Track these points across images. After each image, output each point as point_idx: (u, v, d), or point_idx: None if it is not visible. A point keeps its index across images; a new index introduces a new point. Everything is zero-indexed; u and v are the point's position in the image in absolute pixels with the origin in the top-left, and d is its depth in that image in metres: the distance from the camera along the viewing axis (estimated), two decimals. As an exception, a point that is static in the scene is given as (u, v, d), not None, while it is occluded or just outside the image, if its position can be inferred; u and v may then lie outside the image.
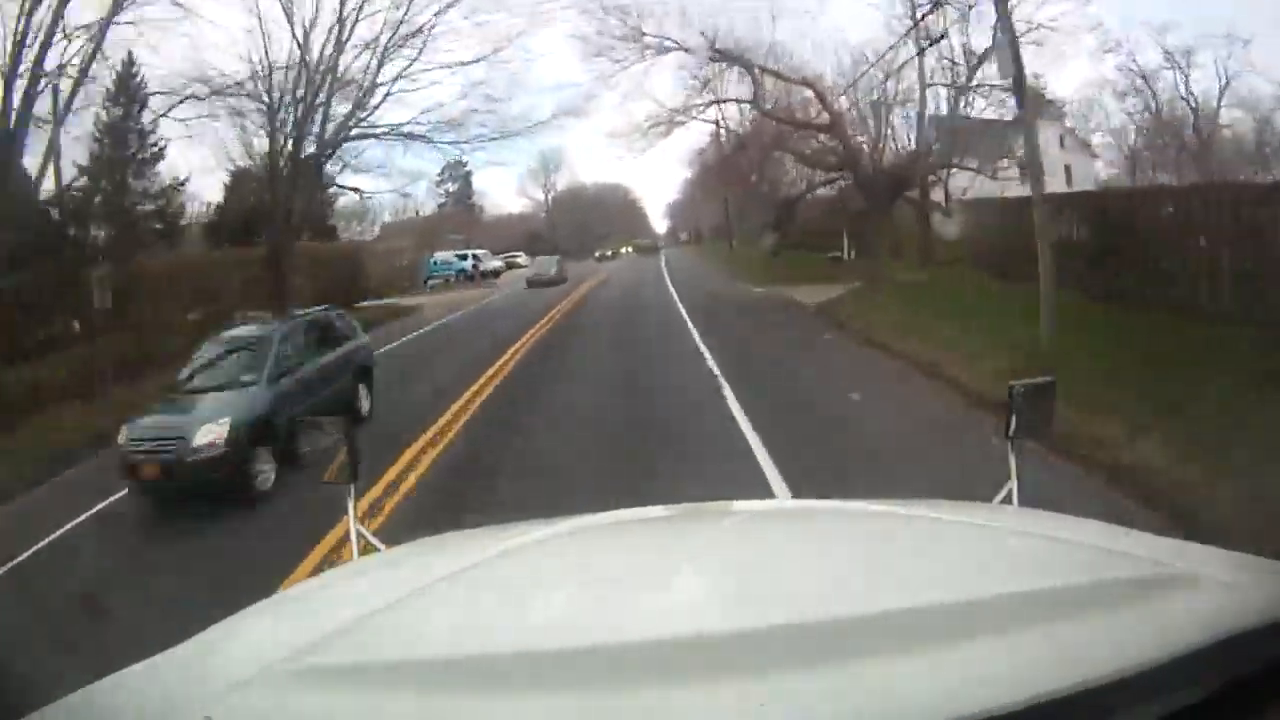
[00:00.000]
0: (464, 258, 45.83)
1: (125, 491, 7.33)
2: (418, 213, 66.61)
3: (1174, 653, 0.90)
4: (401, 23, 20.65)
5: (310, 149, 21.04)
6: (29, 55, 14.77)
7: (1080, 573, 1.19)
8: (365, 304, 25.04)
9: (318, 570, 5.06)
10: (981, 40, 18.86)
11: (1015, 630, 0.97)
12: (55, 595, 5.83)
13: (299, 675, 1.02)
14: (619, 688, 0.93)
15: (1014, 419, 1.91)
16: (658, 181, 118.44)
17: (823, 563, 1.37)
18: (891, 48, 19.87)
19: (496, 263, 49.36)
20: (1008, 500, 1.85)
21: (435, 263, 43.73)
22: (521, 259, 58.22)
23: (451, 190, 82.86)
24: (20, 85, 14.74)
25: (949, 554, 1.38)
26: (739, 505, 2.13)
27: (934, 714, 0.83)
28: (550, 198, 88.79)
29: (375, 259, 36.34)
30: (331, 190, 28.03)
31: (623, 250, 76.70)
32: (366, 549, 2.08)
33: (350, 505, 2.05)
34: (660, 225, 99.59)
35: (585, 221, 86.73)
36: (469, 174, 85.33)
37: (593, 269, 47.15)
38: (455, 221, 72.48)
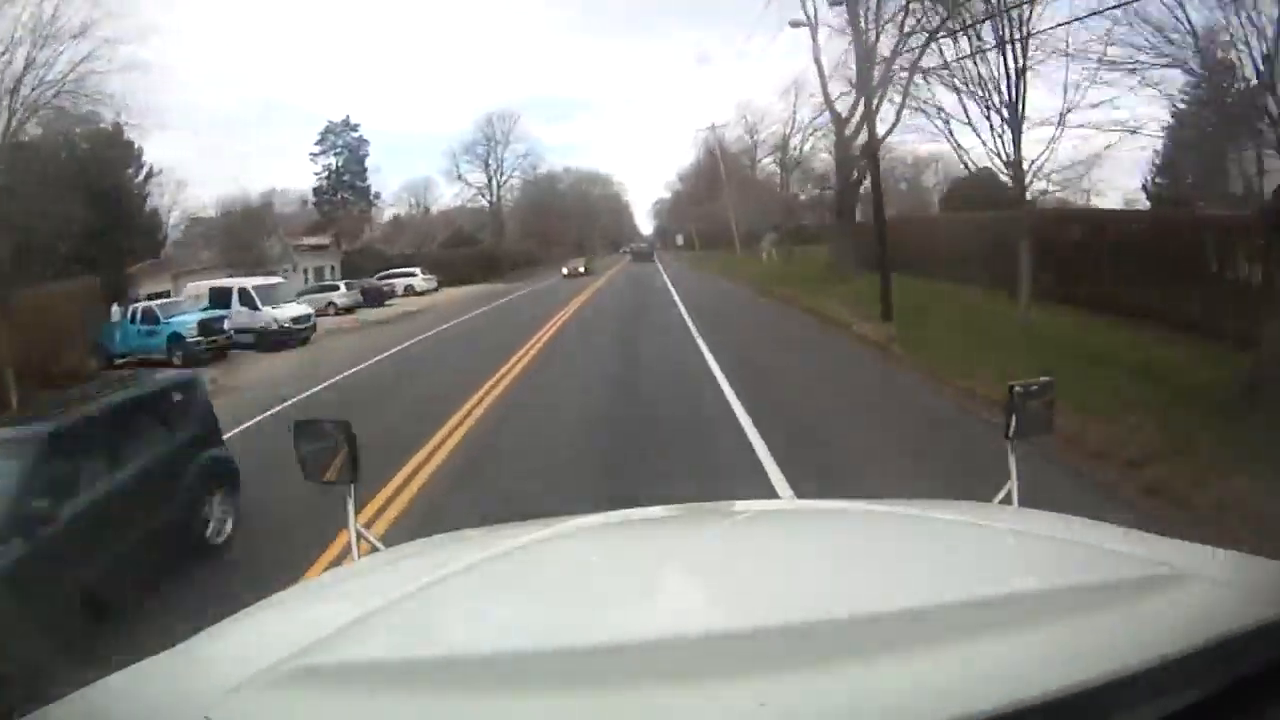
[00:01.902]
0: (223, 297, 22.17)
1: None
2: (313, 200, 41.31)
3: (1173, 653, 0.91)
4: None
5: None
6: None
7: (1080, 573, 1.19)
8: None
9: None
10: None
11: (1015, 630, 0.97)
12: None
13: (299, 675, 1.02)
14: (618, 688, 0.93)
15: (1014, 419, 1.91)
16: (642, 180, 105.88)
17: (822, 563, 1.38)
18: None
19: (337, 297, 28.66)
20: (1008, 500, 1.86)
21: (131, 321, 20.62)
22: (417, 280, 38.15)
23: (334, 167, 52.24)
24: None
25: (949, 554, 1.38)
26: (739, 505, 2.14)
27: (934, 714, 0.83)
28: (498, 184, 57.97)
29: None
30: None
31: (578, 269, 48.51)
32: (367, 550, 2.07)
33: (350, 506, 2.04)
34: (646, 226, 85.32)
35: (550, 221, 59.25)
36: (361, 141, 52.20)
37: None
38: (349, 221, 46.33)
